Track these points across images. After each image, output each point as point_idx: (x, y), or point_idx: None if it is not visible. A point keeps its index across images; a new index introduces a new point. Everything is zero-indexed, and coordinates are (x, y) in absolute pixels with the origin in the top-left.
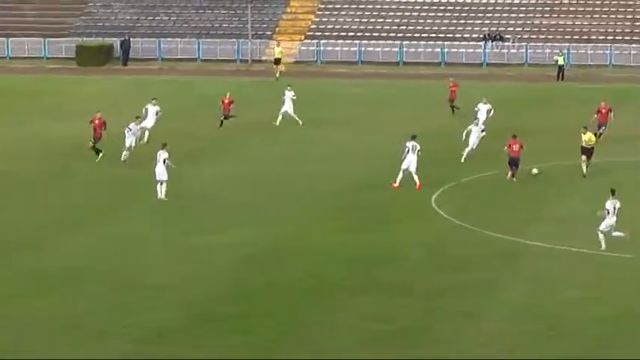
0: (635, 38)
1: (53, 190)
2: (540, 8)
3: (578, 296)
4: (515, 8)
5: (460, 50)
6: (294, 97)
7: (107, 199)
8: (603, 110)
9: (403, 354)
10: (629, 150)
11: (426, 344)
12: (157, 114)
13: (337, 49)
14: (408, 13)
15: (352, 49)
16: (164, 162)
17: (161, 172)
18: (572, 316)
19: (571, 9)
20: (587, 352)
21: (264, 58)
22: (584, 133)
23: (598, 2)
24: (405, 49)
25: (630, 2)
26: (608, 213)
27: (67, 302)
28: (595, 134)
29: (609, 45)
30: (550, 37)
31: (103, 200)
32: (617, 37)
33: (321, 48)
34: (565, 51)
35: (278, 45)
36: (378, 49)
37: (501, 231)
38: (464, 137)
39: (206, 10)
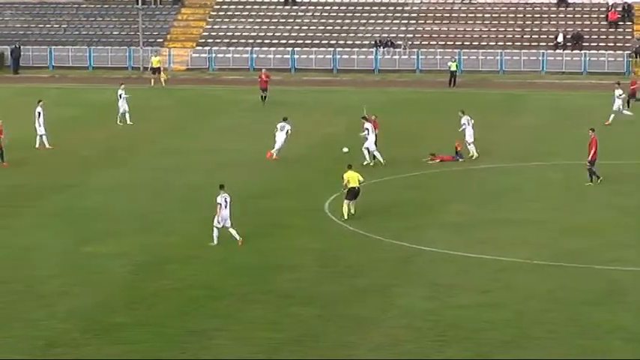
0: (524, 44)
1: None
2: (432, 15)
3: (472, 301)
4: (407, 15)
5: (352, 57)
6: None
7: None
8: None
9: None
10: (511, 157)
11: (315, 352)
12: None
13: (229, 55)
14: (300, 20)
15: (244, 55)
16: None
17: None
18: (467, 321)
19: (462, 15)
20: (480, 357)
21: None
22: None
23: (488, 9)
24: (297, 56)
25: (520, 9)
26: (221, 206)
27: None
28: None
29: (500, 51)
30: (441, 43)
31: None
32: (507, 43)
33: (213, 55)
34: (457, 57)
35: (155, 55)
36: (270, 55)
37: (395, 237)
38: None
39: (97, 18)
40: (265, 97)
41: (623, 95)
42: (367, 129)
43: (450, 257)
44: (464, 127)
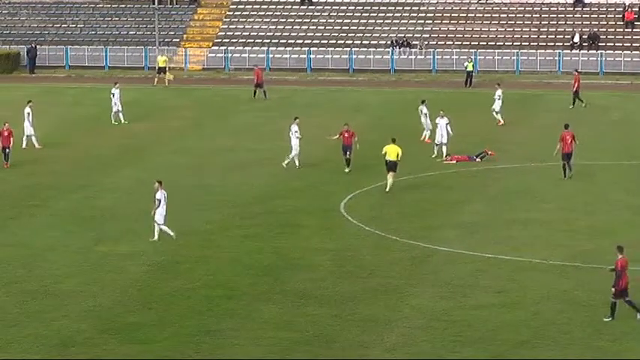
0: (540, 44)
1: None
2: (448, 15)
3: (487, 302)
4: (423, 15)
5: (368, 57)
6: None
7: (11, 207)
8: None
9: None
10: (527, 157)
11: (330, 352)
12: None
13: (245, 55)
14: (316, 20)
15: (260, 55)
16: None
17: None
18: (482, 321)
19: (478, 15)
20: (496, 357)
21: (171, 65)
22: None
23: (504, 9)
24: (313, 56)
25: (536, 9)
26: (160, 202)
27: None
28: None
29: (516, 51)
30: (457, 43)
31: (7, 209)
32: (523, 43)
33: (229, 55)
34: (473, 57)
35: (162, 54)
36: (287, 55)
37: (410, 237)
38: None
39: (113, 18)
40: (258, 92)
41: (502, 97)
42: (296, 131)
43: (466, 257)
44: (447, 126)
